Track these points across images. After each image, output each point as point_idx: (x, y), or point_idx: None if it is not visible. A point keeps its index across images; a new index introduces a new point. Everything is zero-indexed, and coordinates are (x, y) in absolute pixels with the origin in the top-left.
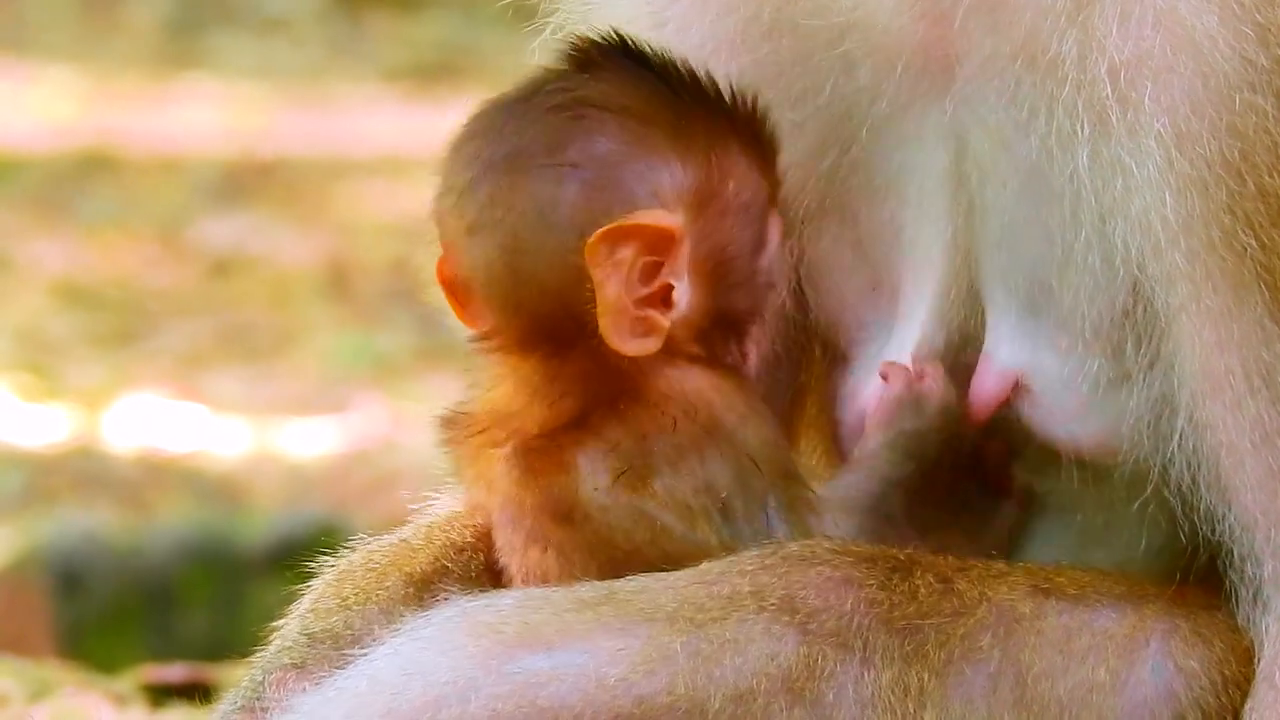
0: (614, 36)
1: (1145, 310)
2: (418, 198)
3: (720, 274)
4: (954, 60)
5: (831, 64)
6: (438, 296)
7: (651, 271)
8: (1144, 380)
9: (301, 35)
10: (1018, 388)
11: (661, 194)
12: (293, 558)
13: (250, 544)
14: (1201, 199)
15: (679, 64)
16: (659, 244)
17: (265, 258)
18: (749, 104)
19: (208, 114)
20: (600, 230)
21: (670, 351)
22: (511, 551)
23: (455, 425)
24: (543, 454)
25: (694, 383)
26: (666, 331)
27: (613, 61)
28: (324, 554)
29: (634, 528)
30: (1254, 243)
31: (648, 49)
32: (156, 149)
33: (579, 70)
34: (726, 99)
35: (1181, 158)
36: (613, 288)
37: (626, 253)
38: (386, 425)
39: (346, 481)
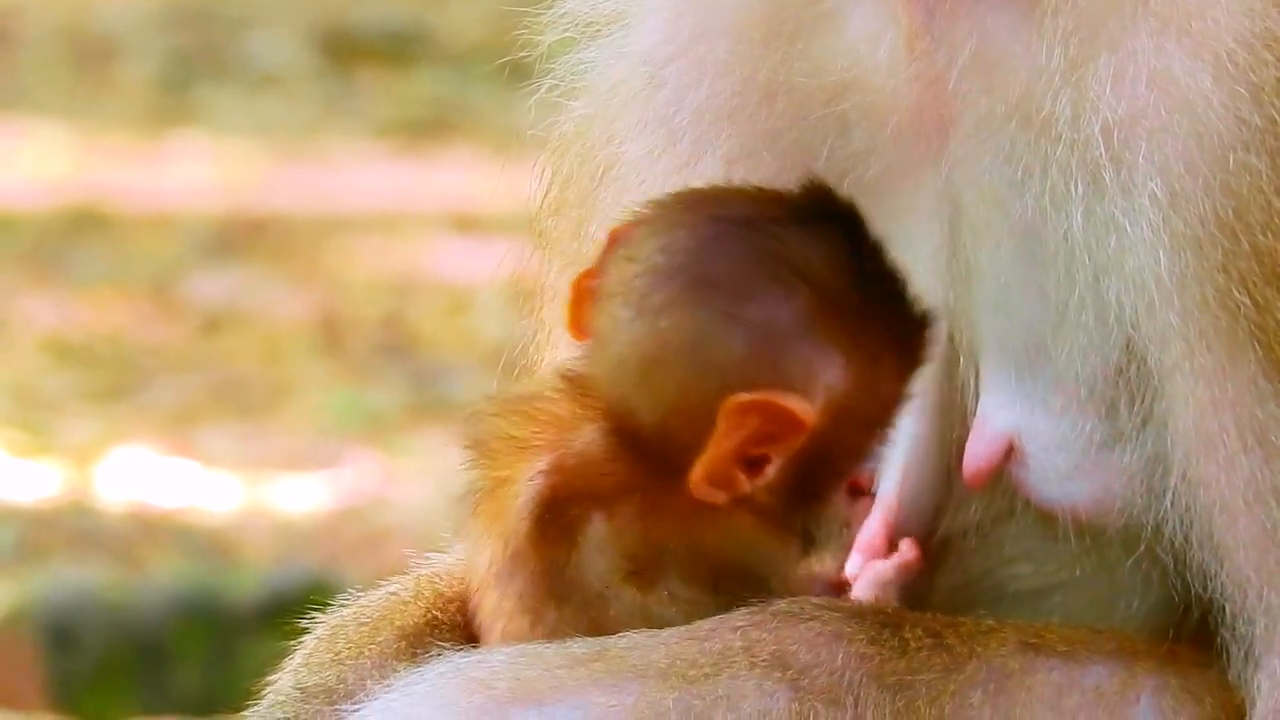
0: (845, 201)
1: (1139, 369)
2: (409, 253)
3: (814, 469)
4: (949, 121)
5: (828, 126)
6: (433, 351)
7: (762, 442)
8: (1137, 439)
9: (293, 91)
10: (1012, 450)
11: (812, 384)
12: (284, 613)
13: (241, 599)
14: (1195, 258)
15: (882, 248)
16: (785, 427)
17: (257, 314)
18: (922, 311)
19: (200, 170)
20: (747, 397)
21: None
22: (498, 615)
23: (492, 430)
24: (559, 518)
25: (736, 523)
26: (741, 495)
27: (828, 225)
28: (315, 609)
29: (632, 620)
30: (1248, 301)
31: (865, 221)
32: (148, 205)
33: (795, 218)
34: (906, 299)
35: (1175, 217)
36: (725, 445)
37: (753, 421)
38: (378, 481)
39: (337, 537)
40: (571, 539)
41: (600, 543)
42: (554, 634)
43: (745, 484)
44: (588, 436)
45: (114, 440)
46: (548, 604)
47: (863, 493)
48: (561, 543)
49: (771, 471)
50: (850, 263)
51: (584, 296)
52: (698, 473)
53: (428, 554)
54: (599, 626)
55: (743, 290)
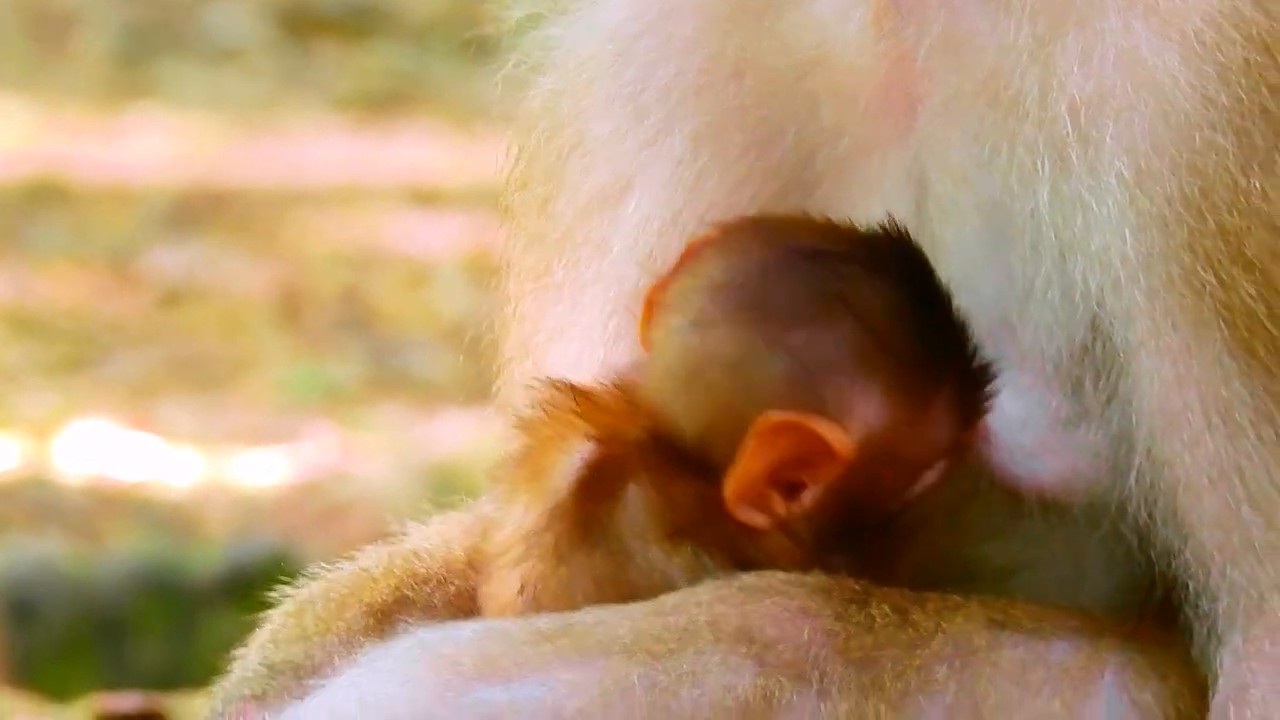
0: (917, 248)
1: (1104, 347)
2: (368, 227)
3: (850, 502)
4: (917, 99)
5: (796, 103)
6: (392, 325)
7: (797, 467)
8: (1102, 417)
9: (252, 65)
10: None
11: (849, 416)
12: (244, 587)
13: (202, 573)
14: (1161, 236)
15: (948, 298)
16: (819, 454)
17: (216, 287)
18: (982, 364)
19: (158, 143)
20: (777, 416)
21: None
22: (519, 561)
23: (549, 400)
24: (606, 482)
25: (772, 543)
26: (779, 519)
27: (893, 269)
28: (276, 583)
29: (650, 578)
30: (1213, 280)
31: (933, 270)
32: (107, 178)
33: (862, 257)
34: (965, 350)
35: (1142, 195)
36: (756, 464)
37: (784, 443)
38: (337, 455)
39: (298, 511)
40: (616, 498)
41: (644, 506)
42: (573, 578)
43: (781, 508)
44: (639, 435)
45: (73, 413)
46: (578, 549)
47: None
48: (606, 501)
49: (809, 500)
50: (907, 307)
51: (651, 308)
52: (730, 488)
53: (406, 525)
54: (621, 578)
55: (792, 317)
